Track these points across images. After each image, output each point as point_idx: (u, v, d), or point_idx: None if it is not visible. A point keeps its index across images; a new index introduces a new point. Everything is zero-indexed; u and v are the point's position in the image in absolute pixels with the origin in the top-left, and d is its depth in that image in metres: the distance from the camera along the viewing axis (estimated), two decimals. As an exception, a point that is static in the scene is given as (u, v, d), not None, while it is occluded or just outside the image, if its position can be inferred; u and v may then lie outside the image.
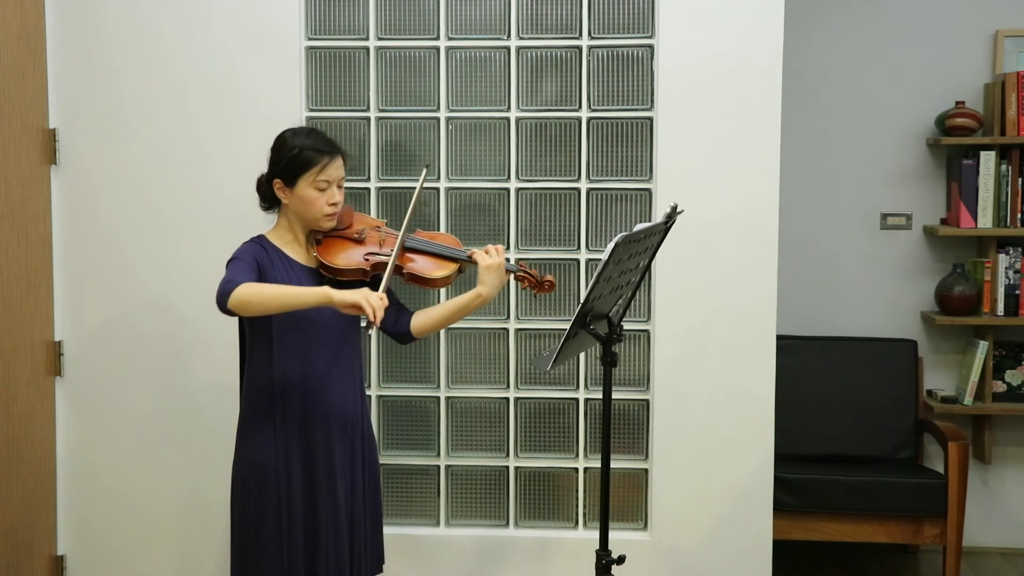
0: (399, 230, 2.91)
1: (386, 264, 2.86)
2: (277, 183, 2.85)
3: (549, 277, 3.02)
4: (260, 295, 2.64)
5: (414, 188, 3.70)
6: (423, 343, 3.76)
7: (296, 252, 2.90)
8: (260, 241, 2.88)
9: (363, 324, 2.71)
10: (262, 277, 2.79)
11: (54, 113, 3.74)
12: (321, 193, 2.83)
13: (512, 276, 3.01)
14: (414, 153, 3.75)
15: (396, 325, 2.99)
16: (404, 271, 2.91)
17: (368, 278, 2.92)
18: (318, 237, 2.91)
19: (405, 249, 2.93)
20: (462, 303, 2.95)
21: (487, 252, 2.92)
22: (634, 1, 3.65)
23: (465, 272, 3.02)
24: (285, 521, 2.84)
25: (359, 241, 2.93)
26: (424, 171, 3.03)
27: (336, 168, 2.85)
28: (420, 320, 2.99)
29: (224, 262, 2.82)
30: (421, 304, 3.70)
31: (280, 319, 2.80)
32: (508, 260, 3.62)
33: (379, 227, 2.99)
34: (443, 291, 3.71)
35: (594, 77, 3.68)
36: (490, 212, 3.75)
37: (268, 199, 2.93)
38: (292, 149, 2.83)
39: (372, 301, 2.64)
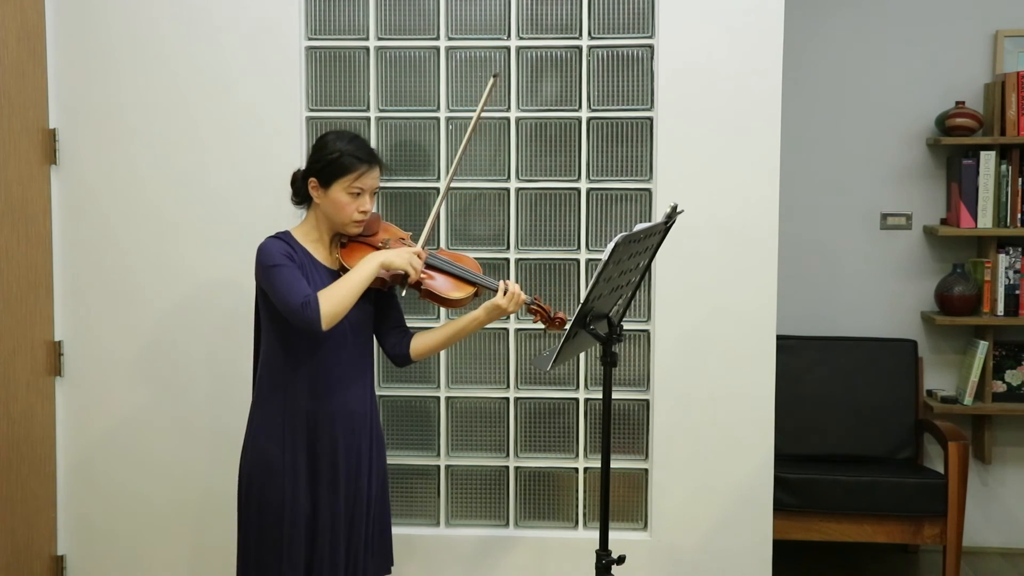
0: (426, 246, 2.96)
1: (402, 277, 2.89)
2: (312, 182, 2.88)
3: (560, 314, 3.02)
4: (341, 300, 2.76)
5: (414, 188, 3.72)
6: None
7: (319, 252, 2.93)
8: (286, 238, 2.90)
9: (402, 292, 2.91)
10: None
11: (54, 113, 3.74)
12: (353, 199, 2.87)
13: (525, 308, 3.02)
14: (414, 153, 3.75)
15: (396, 347, 3.03)
16: (422, 287, 2.93)
17: (385, 288, 2.94)
18: (343, 240, 2.95)
19: (427, 266, 2.95)
20: (460, 326, 3.00)
21: (507, 295, 2.94)
22: (634, 1, 3.65)
23: (481, 296, 3.02)
24: (288, 516, 2.86)
25: (382, 251, 2.94)
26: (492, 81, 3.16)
27: (372, 178, 2.89)
28: (418, 344, 3.03)
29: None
30: (424, 312, 3.71)
31: None
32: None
33: (404, 239, 3.01)
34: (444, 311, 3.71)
35: (594, 77, 3.68)
36: (490, 212, 3.75)
37: (300, 195, 2.95)
38: (333, 152, 2.86)
39: (415, 264, 2.87)
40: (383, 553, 3.06)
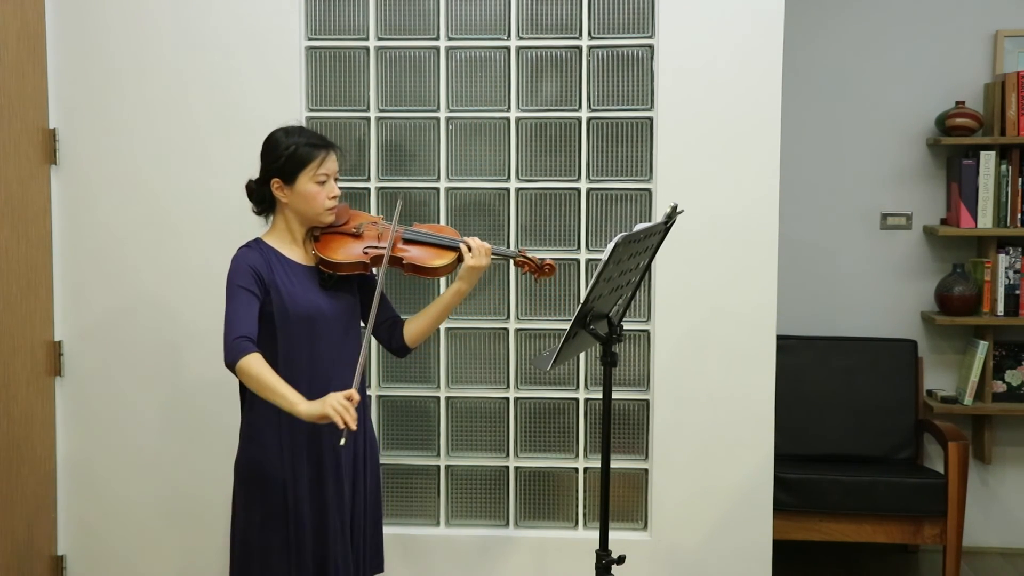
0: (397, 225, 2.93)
1: (380, 259, 2.87)
2: (275, 183, 2.85)
3: (549, 261, 3.03)
4: (255, 379, 2.70)
5: (413, 188, 3.72)
6: (423, 343, 3.76)
7: (294, 252, 2.90)
8: (257, 245, 2.87)
9: (340, 441, 2.68)
10: (262, 287, 2.81)
11: (54, 113, 3.74)
12: (321, 187, 2.85)
13: (512, 262, 3.02)
14: (414, 153, 3.75)
15: (391, 341, 3.03)
16: (404, 262, 2.93)
17: (368, 271, 2.94)
18: (316, 234, 2.92)
19: (404, 241, 2.94)
20: (445, 301, 2.99)
21: (472, 252, 2.93)
22: (634, 1, 3.64)
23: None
24: (292, 521, 2.84)
25: (357, 236, 2.93)
26: (399, 204, 3.02)
27: (333, 162, 2.88)
28: (411, 329, 3.03)
29: (224, 262, 2.82)
30: (422, 298, 3.71)
31: (283, 318, 2.81)
32: (508, 247, 3.66)
33: (376, 222, 3.00)
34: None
35: (594, 77, 3.68)
36: (490, 212, 3.75)
37: (262, 202, 2.92)
38: (288, 147, 2.84)
39: (338, 408, 2.64)
40: (376, 551, 3.05)
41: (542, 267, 3.03)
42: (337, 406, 2.64)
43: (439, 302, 3.01)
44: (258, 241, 2.89)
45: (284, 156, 2.83)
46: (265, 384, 2.71)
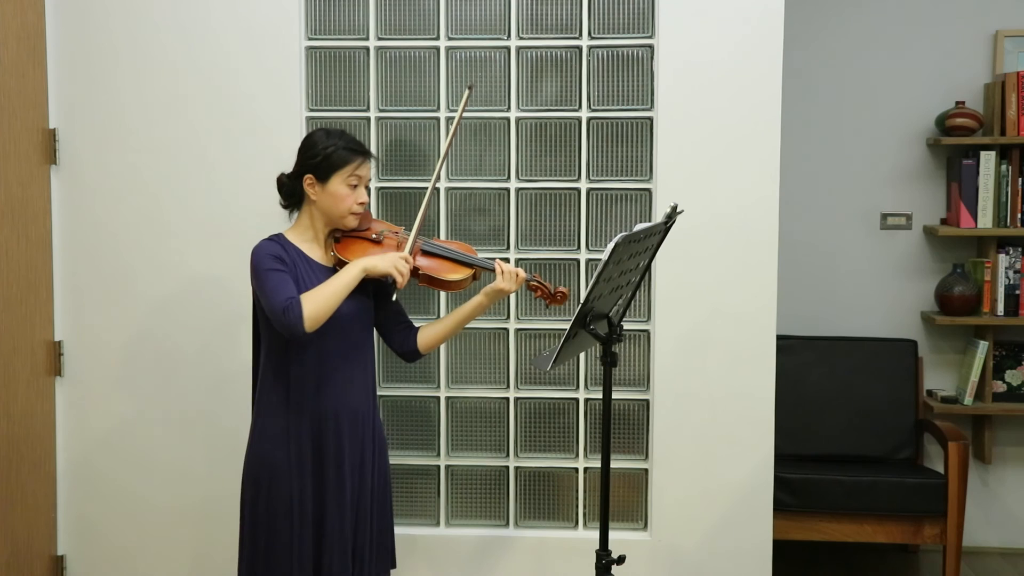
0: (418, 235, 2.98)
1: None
2: (308, 179, 2.90)
3: (562, 288, 3.04)
4: (324, 302, 2.76)
5: (414, 188, 3.73)
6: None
7: (314, 251, 2.94)
8: (278, 239, 2.91)
9: (393, 296, 2.90)
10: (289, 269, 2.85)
11: (54, 113, 3.74)
12: (352, 191, 2.90)
13: (526, 285, 3.03)
14: (414, 153, 3.75)
15: (404, 344, 3.06)
16: (420, 272, 2.95)
17: (383, 278, 2.95)
18: (337, 236, 2.96)
19: (422, 252, 2.97)
20: (464, 313, 3.04)
21: (504, 276, 2.97)
22: (634, 1, 3.65)
23: (480, 279, 3.04)
24: (297, 518, 2.87)
25: (377, 242, 2.98)
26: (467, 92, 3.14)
27: (367, 168, 2.93)
28: (425, 337, 3.06)
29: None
30: (426, 309, 3.71)
31: None
32: (507, 250, 3.66)
33: (397, 231, 3.04)
34: (443, 304, 3.71)
35: (594, 77, 3.68)
36: (490, 212, 3.75)
37: (293, 196, 2.96)
38: (328, 147, 2.89)
39: (401, 268, 2.84)
40: (385, 551, 3.06)
41: (555, 295, 3.04)
42: (399, 265, 2.84)
43: (458, 313, 3.04)
44: (280, 236, 2.92)
45: (322, 155, 2.88)
46: (332, 294, 2.77)
